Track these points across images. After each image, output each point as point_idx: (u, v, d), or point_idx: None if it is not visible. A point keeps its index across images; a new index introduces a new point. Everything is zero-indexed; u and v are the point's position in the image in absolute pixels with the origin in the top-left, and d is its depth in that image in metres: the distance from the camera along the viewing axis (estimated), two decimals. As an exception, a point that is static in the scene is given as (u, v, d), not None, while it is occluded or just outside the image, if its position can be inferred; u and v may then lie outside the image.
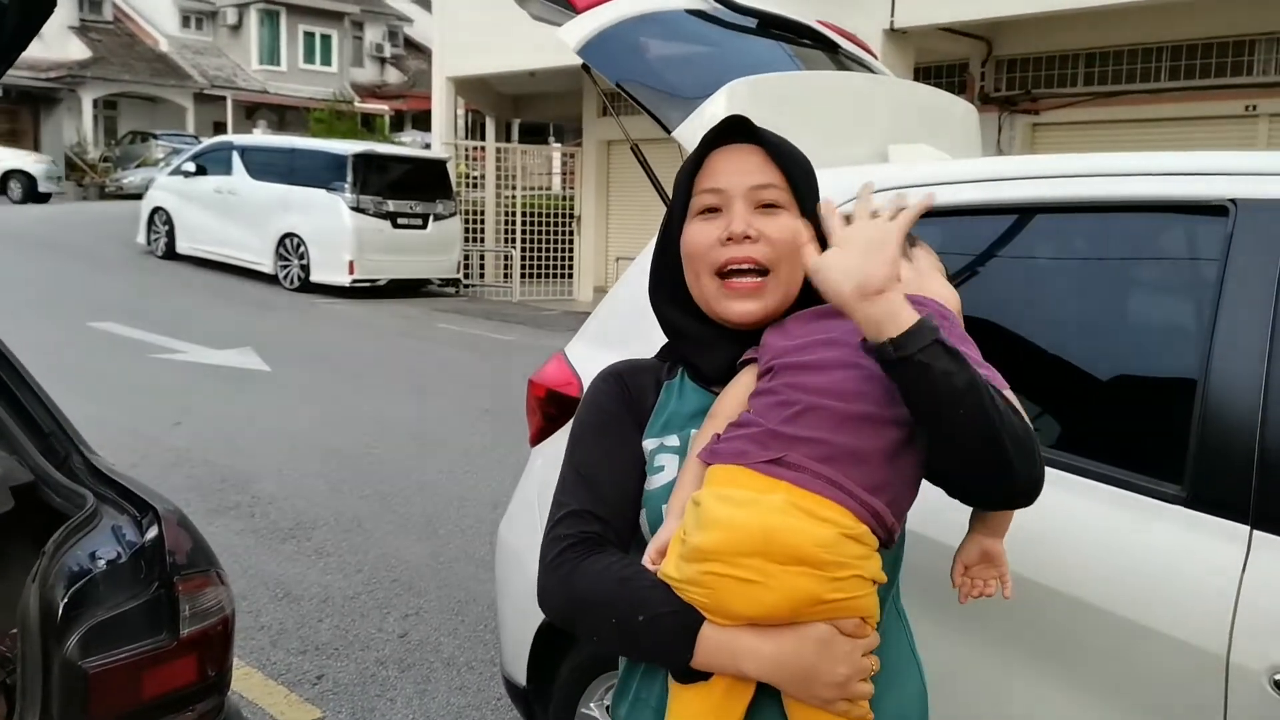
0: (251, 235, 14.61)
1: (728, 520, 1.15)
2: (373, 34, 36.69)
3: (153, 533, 1.94)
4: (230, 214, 14.97)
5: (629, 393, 1.39)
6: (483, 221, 16.61)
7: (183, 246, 15.56)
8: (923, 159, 2.90)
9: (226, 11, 33.87)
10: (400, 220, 14.37)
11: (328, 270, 13.96)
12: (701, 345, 1.37)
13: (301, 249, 14.16)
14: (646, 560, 1.24)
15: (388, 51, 36.78)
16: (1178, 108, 10.77)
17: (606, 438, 1.35)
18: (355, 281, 13.98)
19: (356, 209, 13.94)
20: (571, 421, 1.42)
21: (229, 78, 32.78)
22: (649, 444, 1.34)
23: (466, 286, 16.04)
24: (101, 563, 1.87)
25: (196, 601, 1.95)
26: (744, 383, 1.30)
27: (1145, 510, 1.73)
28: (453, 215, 15.24)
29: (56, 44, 30.02)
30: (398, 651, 3.88)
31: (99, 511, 1.97)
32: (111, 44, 31.32)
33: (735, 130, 1.34)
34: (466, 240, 16.00)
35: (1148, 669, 1.68)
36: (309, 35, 34.33)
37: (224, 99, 32.12)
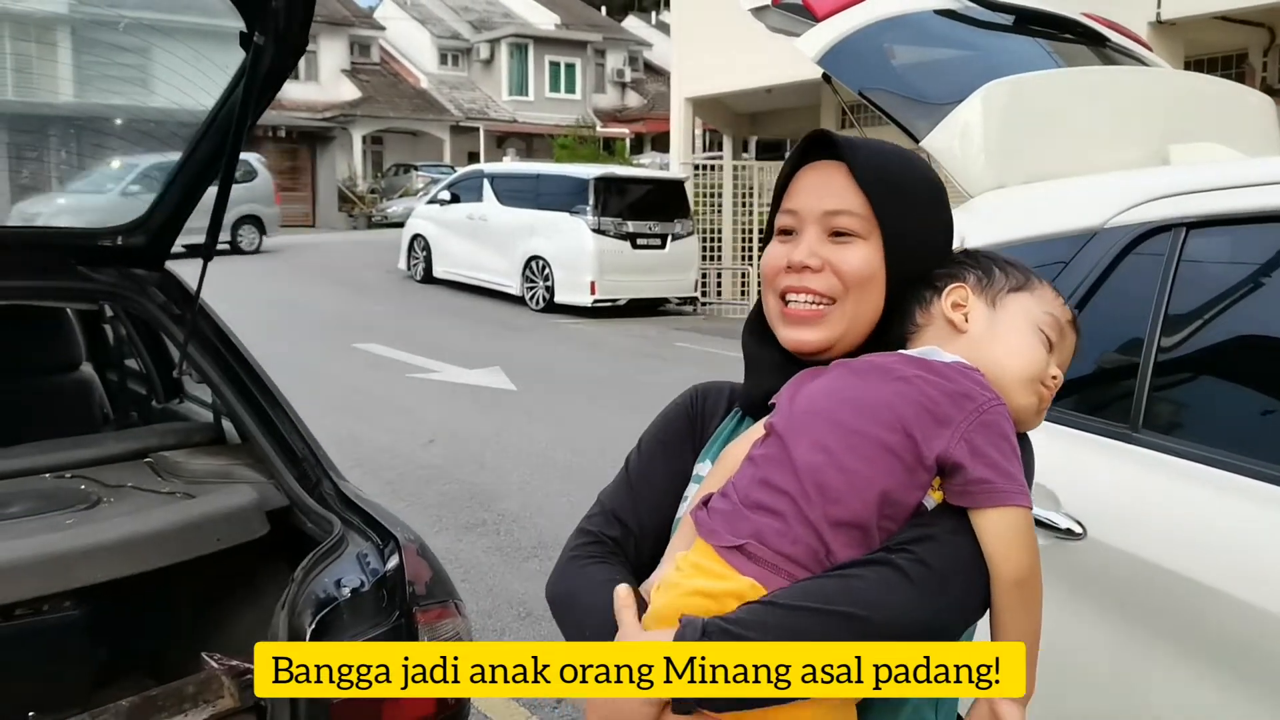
0: (500, 259, 15.23)
1: (689, 590, 1.06)
2: (614, 60, 37.76)
3: (394, 561, 1.95)
4: (481, 239, 15.68)
5: (699, 412, 1.35)
6: (720, 240, 16.64)
7: (439, 271, 16.43)
8: (1210, 159, 2.58)
9: (480, 47, 35.82)
10: (640, 241, 14.59)
11: (571, 291, 14.36)
12: (752, 371, 1.28)
13: (546, 271, 14.63)
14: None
15: (628, 76, 37.75)
16: None
17: (660, 450, 1.33)
18: (596, 302, 14.29)
19: (598, 231, 14.26)
20: None
21: (481, 109, 34.60)
22: (697, 466, 1.30)
23: (704, 305, 16.09)
24: (346, 591, 1.90)
25: (435, 632, 1.95)
26: (757, 433, 1.16)
27: None
28: (690, 234, 15.34)
29: (330, 86, 32.71)
30: (635, 678, 3.83)
31: (345, 538, 2.01)
32: (378, 84, 33.77)
33: (823, 145, 1.21)
34: (704, 259, 16.08)
35: None
36: (554, 65, 35.75)
37: (477, 130, 33.92)
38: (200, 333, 2.38)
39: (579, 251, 14.24)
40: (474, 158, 30.93)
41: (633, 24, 40.51)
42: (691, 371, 10.58)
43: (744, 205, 16.68)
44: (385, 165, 33.24)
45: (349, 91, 32.87)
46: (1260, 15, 10.36)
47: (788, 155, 1.26)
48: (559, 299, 14.40)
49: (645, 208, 14.81)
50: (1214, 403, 2.07)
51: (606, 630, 1.11)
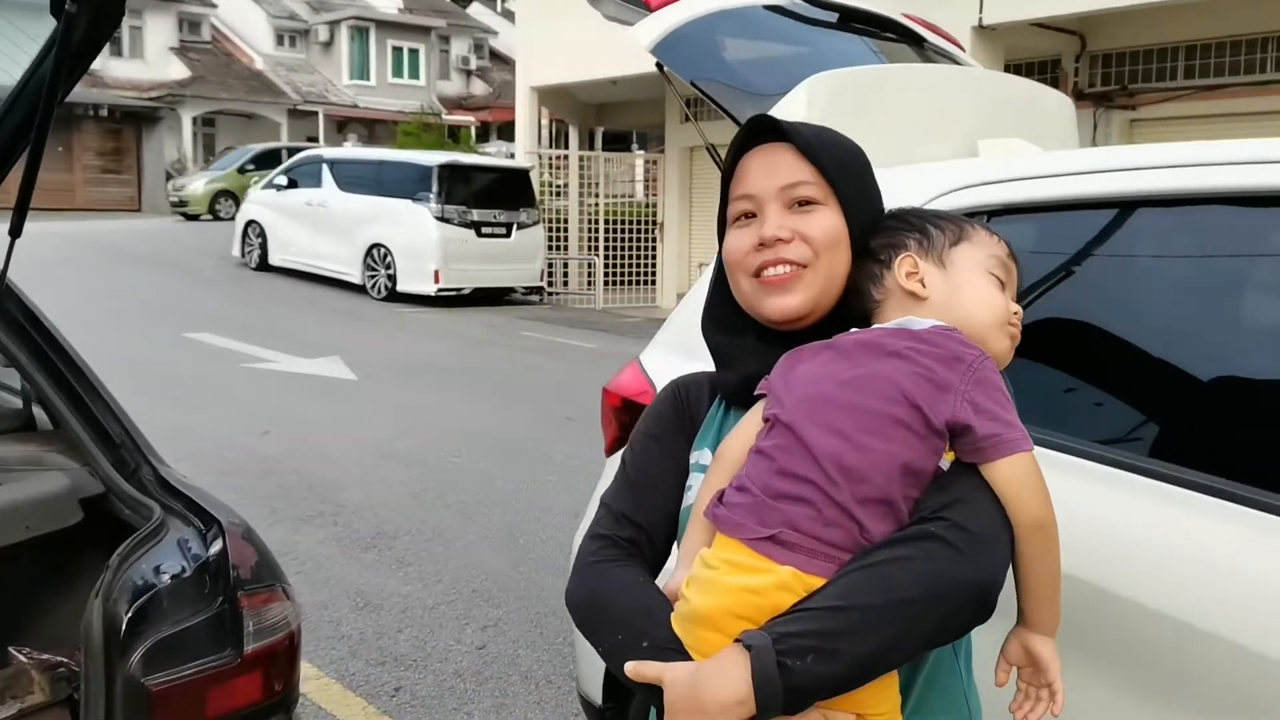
0: (340, 246, 14.89)
1: (729, 587, 1.08)
2: (459, 47, 37.24)
3: (217, 546, 1.90)
4: (320, 226, 15.28)
5: (685, 403, 1.36)
6: (566, 230, 16.68)
7: (275, 259, 15.93)
8: (1013, 153, 2.76)
9: (319, 29, 34.73)
10: (484, 229, 14.50)
11: (414, 280, 14.15)
12: (725, 363, 1.32)
13: (388, 259, 14.38)
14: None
15: (473, 64, 37.29)
16: (1286, 99, 10.28)
17: (654, 444, 1.34)
18: (440, 290, 14.14)
19: (441, 219, 14.11)
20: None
21: (321, 93, 33.58)
22: (694, 455, 1.31)
23: (550, 294, 16.11)
24: (165, 577, 1.84)
25: (261, 617, 1.91)
26: (751, 424, 1.19)
27: (1260, 527, 1.58)
28: (536, 224, 15.34)
29: (158, 65, 31.15)
30: (475, 664, 3.84)
31: (165, 524, 1.95)
32: (210, 63, 32.35)
33: (765, 130, 1.27)
34: (550, 248, 16.08)
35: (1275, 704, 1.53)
36: (397, 50, 35.00)
37: (316, 114, 32.91)
38: (8, 314, 2.26)
39: (422, 240, 14.06)
40: (313, 142, 30.01)
41: (478, 10, 40.01)
42: (537, 361, 10.60)
43: (590, 195, 16.76)
44: (218, 148, 31.87)
45: (178, 70, 31.36)
46: (1072, 23, 11.06)
47: (729, 146, 1.30)
48: (401, 288, 14.18)
49: (490, 196, 14.74)
50: (1015, 382, 2.21)
51: (640, 634, 1.14)
